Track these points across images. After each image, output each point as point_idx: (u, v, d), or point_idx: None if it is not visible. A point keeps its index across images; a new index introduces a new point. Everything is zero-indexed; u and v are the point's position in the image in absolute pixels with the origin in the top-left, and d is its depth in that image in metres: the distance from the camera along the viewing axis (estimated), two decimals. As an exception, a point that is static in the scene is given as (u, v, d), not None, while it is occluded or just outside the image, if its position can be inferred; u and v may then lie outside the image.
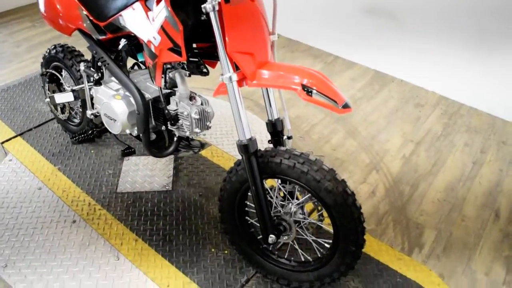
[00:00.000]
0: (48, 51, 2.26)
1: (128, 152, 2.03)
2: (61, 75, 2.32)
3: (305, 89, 1.34)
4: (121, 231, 1.95)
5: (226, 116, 2.67)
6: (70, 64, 2.15)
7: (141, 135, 1.79)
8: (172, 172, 2.24)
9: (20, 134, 2.51)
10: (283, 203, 1.65)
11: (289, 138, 1.68)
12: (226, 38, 1.35)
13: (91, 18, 1.75)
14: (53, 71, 2.30)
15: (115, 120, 1.80)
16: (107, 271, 1.78)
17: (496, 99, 2.99)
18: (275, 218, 1.61)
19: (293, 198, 1.64)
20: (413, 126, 2.84)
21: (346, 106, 1.32)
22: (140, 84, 1.78)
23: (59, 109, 2.42)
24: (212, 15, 1.32)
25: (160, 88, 1.66)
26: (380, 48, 3.35)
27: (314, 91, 1.32)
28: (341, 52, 3.60)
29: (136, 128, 1.80)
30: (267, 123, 1.67)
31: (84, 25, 1.81)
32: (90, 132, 2.25)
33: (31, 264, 1.80)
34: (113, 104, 1.75)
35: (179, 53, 1.44)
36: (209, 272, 1.78)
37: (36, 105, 2.75)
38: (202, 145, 1.88)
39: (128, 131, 1.83)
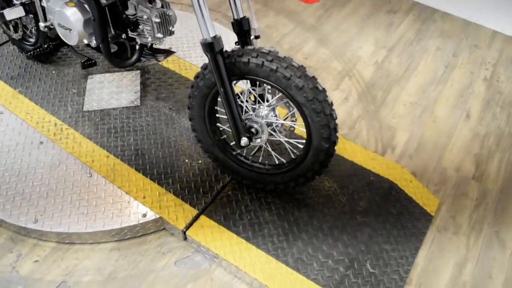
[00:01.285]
0: None
1: (89, 64, 1.91)
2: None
3: None
4: (91, 149, 1.90)
5: (192, 28, 2.53)
6: (16, -26, 1.95)
7: (100, 45, 1.67)
8: (139, 88, 2.16)
9: (-27, 59, 2.35)
10: (254, 106, 1.61)
11: (256, 37, 1.60)
12: None
13: None
14: (-1, -15, 2.10)
15: (71, 30, 1.67)
16: (81, 187, 1.75)
17: (470, 4, 2.93)
18: (246, 121, 1.58)
19: (264, 101, 1.61)
20: (385, 33, 2.78)
21: None
22: None
23: (11, 28, 2.24)
24: None
25: None
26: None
27: None
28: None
29: (94, 37, 1.68)
30: (232, 23, 1.58)
31: None
32: (46, 46, 2.10)
33: (0, 188, 1.76)
34: (67, 12, 1.62)
35: None
36: (184, 182, 1.78)
37: (-14, 28, 2.55)
38: (167, 52, 1.79)
39: (86, 41, 1.71)
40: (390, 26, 2.84)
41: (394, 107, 2.28)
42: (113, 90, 2.14)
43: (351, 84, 2.38)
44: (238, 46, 1.58)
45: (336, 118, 1.47)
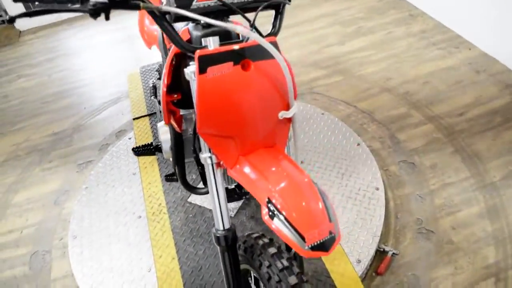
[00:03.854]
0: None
1: (171, 178, 1.98)
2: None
3: (270, 208, 1.00)
4: (166, 243, 1.96)
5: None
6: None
7: (175, 168, 1.69)
8: (241, 201, 2.11)
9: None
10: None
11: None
12: (195, 116, 1.09)
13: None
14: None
15: (162, 145, 1.75)
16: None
17: None
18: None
19: None
20: None
21: (317, 248, 0.93)
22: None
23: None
24: (191, 84, 1.08)
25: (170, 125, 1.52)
26: None
27: (278, 215, 0.97)
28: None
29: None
30: None
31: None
32: (152, 147, 2.29)
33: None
34: (160, 129, 1.71)
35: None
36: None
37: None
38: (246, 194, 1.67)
39: (171, 160, 1.76)
40: None
41: None
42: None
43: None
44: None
45: None
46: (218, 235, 1.21)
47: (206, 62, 1.01)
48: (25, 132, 2.98)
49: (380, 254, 1.87)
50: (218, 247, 1.23)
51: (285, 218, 0.95)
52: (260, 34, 1.12)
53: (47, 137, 2.89)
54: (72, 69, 3.60)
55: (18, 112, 3.20)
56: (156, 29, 2.04)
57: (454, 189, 2.11)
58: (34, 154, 2.76)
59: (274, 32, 1.18)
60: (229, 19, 1.29)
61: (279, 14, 1.18)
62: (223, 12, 1.10)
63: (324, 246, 0.94)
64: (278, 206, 0.97)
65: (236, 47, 1.03)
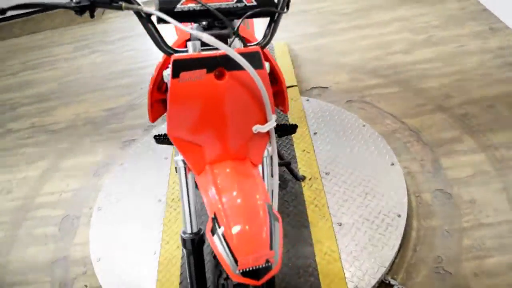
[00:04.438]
0: None
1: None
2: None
3: (214, 223, 0.97)
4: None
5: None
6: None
7: None
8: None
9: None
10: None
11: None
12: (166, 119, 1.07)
13: None
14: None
15: None
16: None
17: None
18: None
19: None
20: None
21: (249, 274, 0.89)
22: None
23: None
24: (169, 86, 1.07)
25: None
26: None
27: (218, 233, 0.94)
28: None
29: None
30: None
31: None
32: None
33: (109, 219, 2.14)
34: None
35: None
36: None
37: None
38: None
39: None
40: None
41: None
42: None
43: None
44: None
45: None
46: (185, 238, 1.21)
47: (180, 67, 1.00)
48: (86, 104, 3.23)
49: (385, 286, 1.74)
50: (185, 250, 1.23)
51: (224, 237, 0.92)
52: (244, 43, 1.08)
53: (104, 111, 3.10)
54: (140, 50, 3.81)
55: (85, 85, 3.47)
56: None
57: (489, 231, 1.88)
58: (89, 126, 2.99)
59: (262, 42, 1.12)
60: (235, 22, 1.27)
61: (273, 22, 1.12)
62: (207, 17, 1.08)
63: (257, 274, 0.90)
64: (220, 224, 0.94)
65: (211, 54, 1.00)
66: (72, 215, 2.33)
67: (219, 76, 1.01)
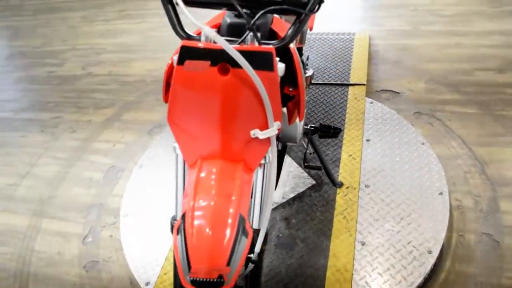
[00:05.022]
0: None
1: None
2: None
3: (181, 222, 0.94)
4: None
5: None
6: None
7: None
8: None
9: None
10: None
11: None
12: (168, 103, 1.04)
13: None
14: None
15: None
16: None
17: None
18: None
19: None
20: None
21: (198, 285, 0.86)
22: None
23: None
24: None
25: None
26: None
27: (182, 234, 0.91)
28: None
29: None
30: None
31: None
32: None
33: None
34: None
35: None
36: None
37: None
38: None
39: None
40: None
41: None
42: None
43: None
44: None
45: None
46: (174, 224, 1.21)
47: (186, 54, 0.98)
48: (160, 62, 3.34)
49: (391, 321, 1.63)
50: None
51: (185, 240, 0.91)
52: (258, 40, 1.00)
53: (173, 72, 3.19)
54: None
55: (166, 43, 3.59)
56: None
57: (530, 296, 1.66)
58: (156, 84, 3.10)
59: (281, 42, 1.03)
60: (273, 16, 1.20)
61: (297, 23, 1.03)
62: (224, 6, 1.03)
63: (206, 286, 0.87)
64: (186, 225, 0.93)
65: (218, 47, 0.95)
66: (118, 166, 2.47)
67: (223, 71, 0.96)
